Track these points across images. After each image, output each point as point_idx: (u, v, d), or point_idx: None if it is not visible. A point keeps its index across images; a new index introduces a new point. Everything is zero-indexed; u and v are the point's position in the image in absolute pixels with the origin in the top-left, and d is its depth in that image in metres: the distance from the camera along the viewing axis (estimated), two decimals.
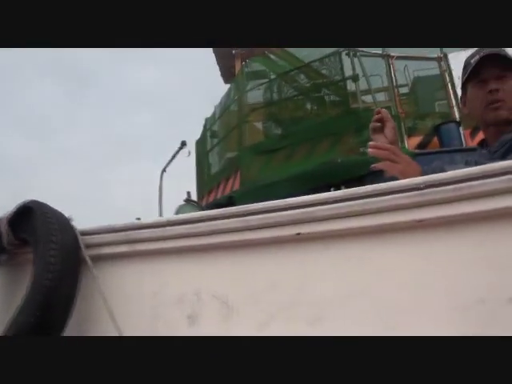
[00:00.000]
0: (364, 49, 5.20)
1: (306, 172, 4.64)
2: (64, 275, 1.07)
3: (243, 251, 1.05)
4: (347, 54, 5.17)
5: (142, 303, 1.12)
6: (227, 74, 9.59)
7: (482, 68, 1.41)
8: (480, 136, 1.59)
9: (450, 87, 5.34)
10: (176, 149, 6.52)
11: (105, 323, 1.08)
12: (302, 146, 5.09)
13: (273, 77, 6.29)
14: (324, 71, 5.66)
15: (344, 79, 5.31)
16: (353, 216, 0.94)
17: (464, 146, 4.73)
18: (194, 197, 6.61)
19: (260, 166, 5.41)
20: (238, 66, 8.04)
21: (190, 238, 1.08)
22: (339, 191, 0.96)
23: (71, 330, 1.08)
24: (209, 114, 7.59)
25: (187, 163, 7.13)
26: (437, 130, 4.95)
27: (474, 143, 4.47)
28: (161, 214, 6.03)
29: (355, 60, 5.14)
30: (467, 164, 1.44)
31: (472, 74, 1.43)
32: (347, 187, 0.99)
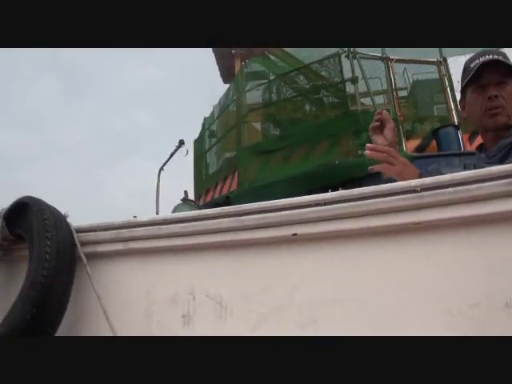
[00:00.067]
0: (363, 51, 5.21)
1: (304, 173, 4.65)
2: (59, 272, 1.06)
3: (238, 251, 1.04)
4: (347, 56, 5.18)
5: (136, 302, 1.11)
6: (226, 74, 9.59)
7: (482, 73, 1.42)
8: (478, 140, 1.59)
9: (448, 91, 5.35)
10: (174, 148, 6.54)
11: (99, 321, 1.08)
12: (300, 147, 5.10)
13: (272, 77, 6.28)
14: (323, 73, 5.66)
15: (343, 81, 5.31)
16: (349, 218, 0.94)
17: (462, 149, 4.74)
18: (192, 196, 6.60)
19: (258, 167, 5.41)
20: (237, 66, 8.05)
21: (185, 236, 1.08)
22: (335, 192, 0.96)
23: (65, 327, 1.07)
24: (208, 113, 7.60)
25: (185, 162, 7.14)
26: (435, 133, 4.97)
27: (472, 147, 4.49)
28: (158, 213, 6.01)
29: (354, 62, 5.14)
30: (465, 167, 1.45)
31: (472, 79, 1.44)
32: (345, 189, 0.99)
